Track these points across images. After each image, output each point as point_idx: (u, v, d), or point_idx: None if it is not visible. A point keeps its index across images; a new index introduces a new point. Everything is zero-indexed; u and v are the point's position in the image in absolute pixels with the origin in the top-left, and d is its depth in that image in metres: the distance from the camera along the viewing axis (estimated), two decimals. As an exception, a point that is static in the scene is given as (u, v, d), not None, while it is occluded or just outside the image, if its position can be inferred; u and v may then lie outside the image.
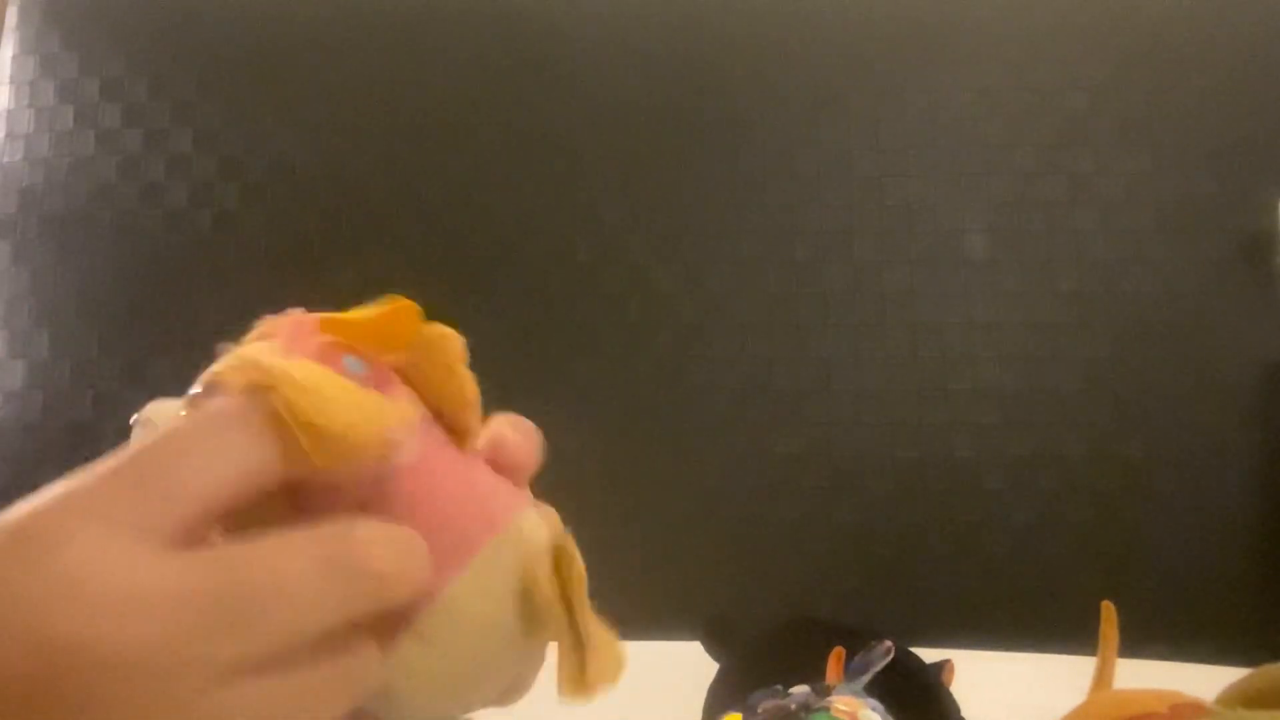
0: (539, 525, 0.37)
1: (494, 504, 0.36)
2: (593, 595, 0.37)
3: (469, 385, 0.36)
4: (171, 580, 0.28)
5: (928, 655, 0.59)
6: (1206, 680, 0.52)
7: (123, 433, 0.33)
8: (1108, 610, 0.60)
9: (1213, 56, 1.12)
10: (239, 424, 0.31)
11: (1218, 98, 1.11)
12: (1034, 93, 1.12)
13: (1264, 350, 1.06)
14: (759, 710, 0.46)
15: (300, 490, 0.33)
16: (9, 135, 1.18)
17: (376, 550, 0.31)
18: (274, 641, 0.29)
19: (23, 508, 0.29)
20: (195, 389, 0.34)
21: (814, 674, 0.50)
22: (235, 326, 0.36)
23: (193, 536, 0.30)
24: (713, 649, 0.68)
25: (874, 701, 0.47)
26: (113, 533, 0.28)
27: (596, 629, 0.35)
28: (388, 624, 0.33)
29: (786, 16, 1.16)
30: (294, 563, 0.30)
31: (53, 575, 0.28)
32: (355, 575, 0.30)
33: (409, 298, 0.36)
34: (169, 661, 0.27)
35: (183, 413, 0.33)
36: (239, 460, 0.31)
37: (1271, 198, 1.05)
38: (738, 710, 0.47)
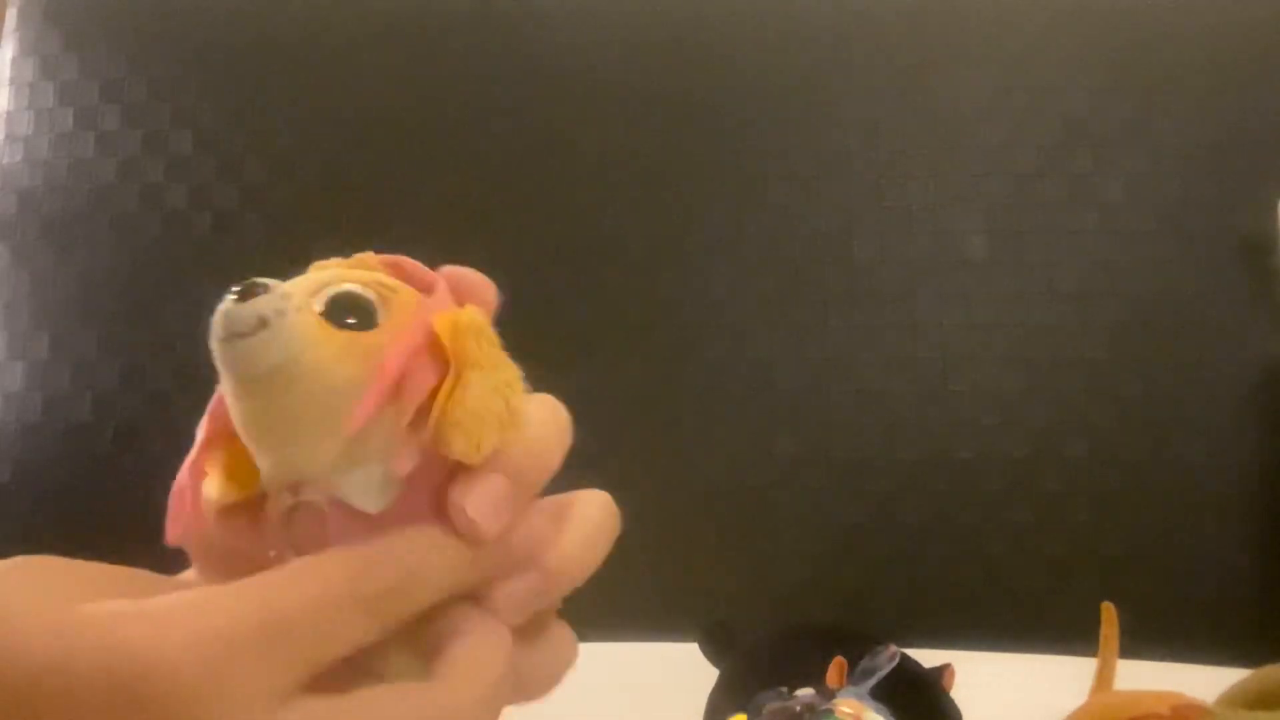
0: None
1: None
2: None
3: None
4: None
5: (927, 656, 0.58)
6: (1207, 681, 0.52)
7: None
8: (1108, 611, 0.60)
9: (1213, 56, 1.12)
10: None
11: (1218, 98, 1.11)
12: (1033, 93, 1.12)
13: (1264, 350, 1.06)
14: (764, 712, 0.46)
15: None
16: (8, 137, 1.18)
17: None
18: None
19: (145, 648, 0.27)
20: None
21: (815, 680, 0.50)
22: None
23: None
24: (711, 655, 0.68)
25: (878, 705, 0.47)
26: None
27: None
28: None
29: (786, 17, 1.16)
30: None
31: None
32: None
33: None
34: None
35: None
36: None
37: (1271, 198, 1.05)
38: (742, 712, 0.47)
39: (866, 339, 1.08)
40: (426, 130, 1.15)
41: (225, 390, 0.31)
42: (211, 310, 0.31)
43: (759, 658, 0.66)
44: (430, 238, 1.25)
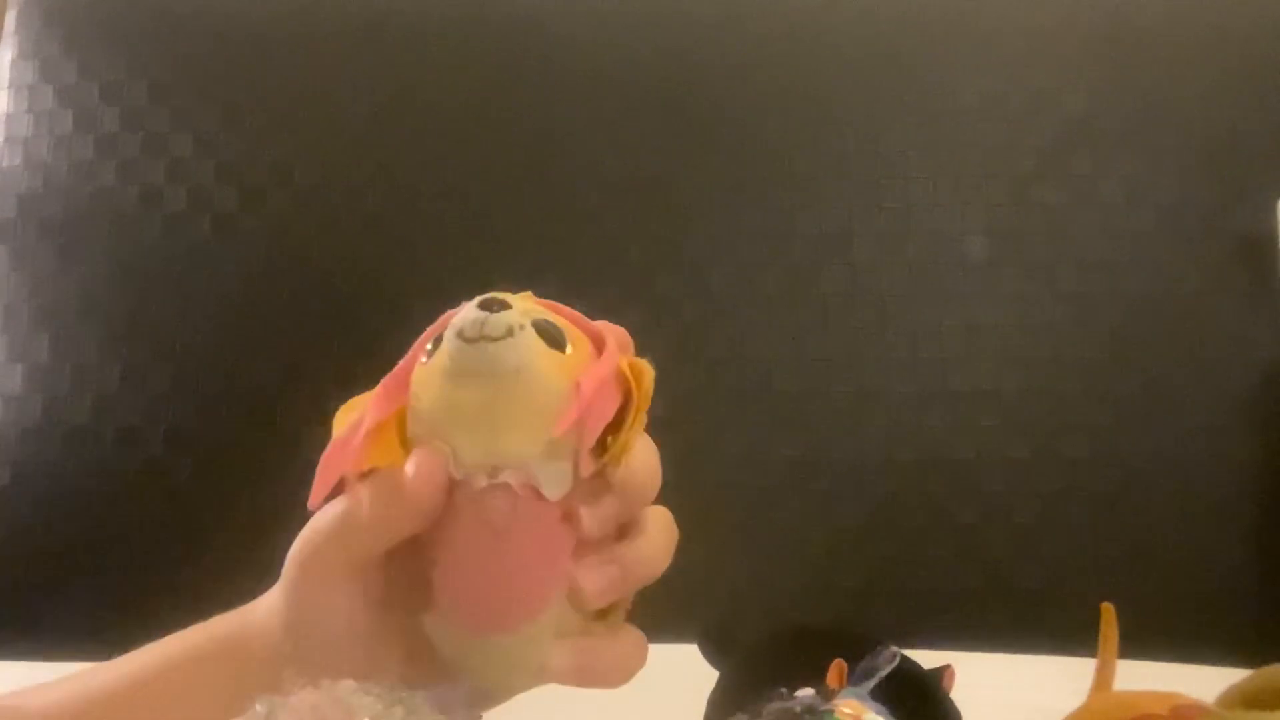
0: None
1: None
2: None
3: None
4: None
5: (928, 657, 0.58)
6: (1207, 681, 0.52)
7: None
8: (1108, 612, 0.60)
9: (1212, 57, 1.12)
10: None
11: (1217, 98, 1.11)
12: (1033, 94, 1.12)
13: (1264, 351, 1.06)
14: (764, 713, 0.46)
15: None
16: (8, 139, 1.18)
17: None
18: None
19: None
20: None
21: (816, 681, 0.50)
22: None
23: None
24: (711, 656, 0.68)
25: (879, 706, 0.47)
26: None
27: None
28: None
29: (786, 19, 1.16)
30: None
31: None
32: None
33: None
34: None
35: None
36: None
37: (1271, 198, 1.05)
38: (743, 715, 0.47)
39: (866, 339, 1.08)
40: (425, 132, 1.15)
41: (448, 385, 0.37)
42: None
43: (759, 659, 0.65)
44: (429, 238, 1.25)
